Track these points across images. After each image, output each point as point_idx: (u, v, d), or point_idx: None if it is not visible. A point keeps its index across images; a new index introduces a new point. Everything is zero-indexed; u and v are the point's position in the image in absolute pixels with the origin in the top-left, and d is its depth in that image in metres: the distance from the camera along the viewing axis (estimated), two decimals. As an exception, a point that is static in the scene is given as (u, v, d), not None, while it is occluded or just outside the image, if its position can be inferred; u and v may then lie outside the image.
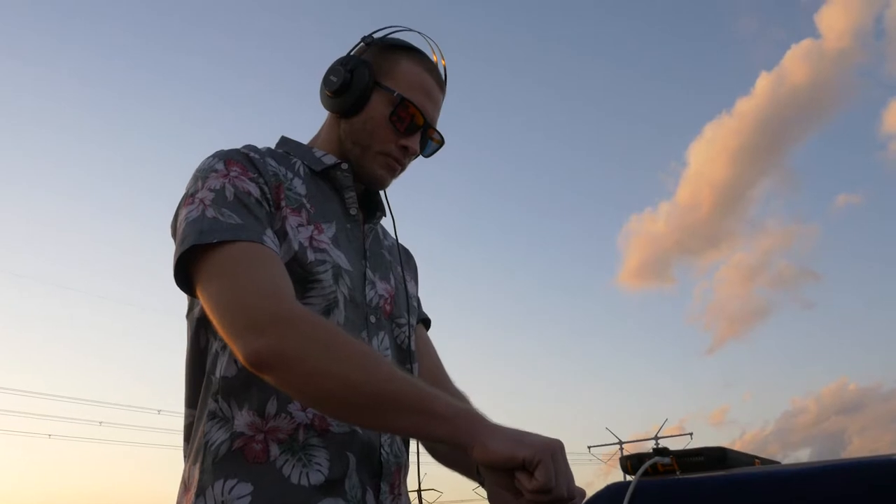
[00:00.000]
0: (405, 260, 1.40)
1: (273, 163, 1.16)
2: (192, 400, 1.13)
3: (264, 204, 1.08)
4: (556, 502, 0.84)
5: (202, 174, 1.10)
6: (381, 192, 1.31)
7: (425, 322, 1.44)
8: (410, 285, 1.35)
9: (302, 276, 1.08)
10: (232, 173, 1.09)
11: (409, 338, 1.26)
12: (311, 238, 1.12)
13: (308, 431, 1.04)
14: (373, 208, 1.30)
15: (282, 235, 1.08)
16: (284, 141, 1.28)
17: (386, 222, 1.36)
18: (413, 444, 1.25)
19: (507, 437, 0.86)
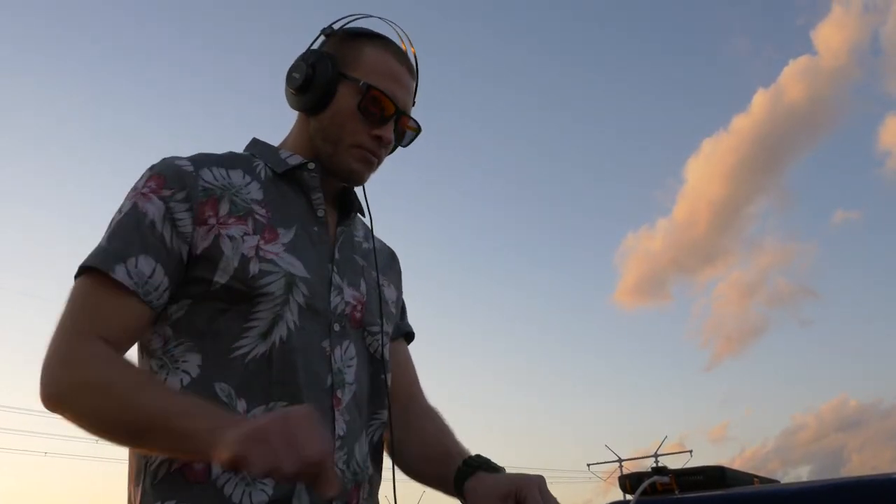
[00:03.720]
0: (387, 263, 1.32)
1: (215, 172, 1.11)
2: None
3: (159, 225, 1.05)
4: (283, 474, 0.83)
5: (132, 187, 1.10)
6: (360, 191, 1.25)
7: (408, 336, 1.37)
8: (388, 290, 1.28)
9: (245, 293, 1.05)
10: (145, 189, 1.07)
11: (382, 346, 1.20)
12: (256, 248, 1.07)
13: None
14: (347, 209, 1.24)
15: (216, 252, 1.05)
16: (254, 143, 1.24)
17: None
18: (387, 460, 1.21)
19: (237, 438, 0.84)
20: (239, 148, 1.24)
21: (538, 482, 1.01)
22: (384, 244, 1.37)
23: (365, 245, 1.26)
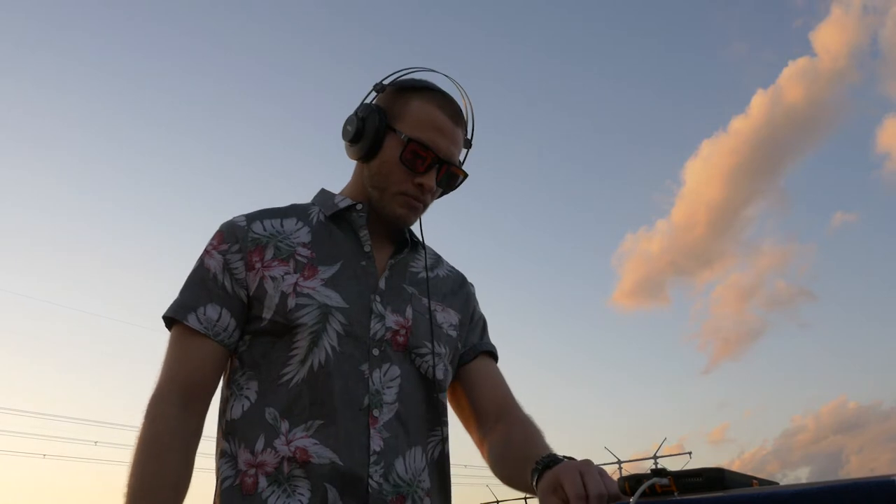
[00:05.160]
0: (451, 289, 1.41)
1: (266, 224, 1.28)
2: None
3: (220, 276, 1.24)
4: None
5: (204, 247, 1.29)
6: (416, 225, 1.35)
7: (492, 355, 1.42)
8: (443, 315, 1.35)
9: (286, 325, 1.19)
10: (209, 247, 1.27)
11: (434, 367, 1.27)
12: (294, 285, 1.21)
13: (291, 464, 1.14)
14: (401, 244, 1.35)
15: (261, 292, 1.21)
16: (320, 193, 1.39)
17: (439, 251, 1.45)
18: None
19: None
20: (271, 182, 1.40)
21: (579, 466, 0.98)
22: (454, 272, 1.47)
23: (422, 275, 1.36)
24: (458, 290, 1.43)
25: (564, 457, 1.09)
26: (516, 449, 1.24)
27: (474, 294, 1.47)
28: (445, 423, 1.30)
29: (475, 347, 1.40)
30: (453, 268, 1.47)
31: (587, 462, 0.98)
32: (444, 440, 1.29)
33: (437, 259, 1.44)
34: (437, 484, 1.26)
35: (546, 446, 1.22)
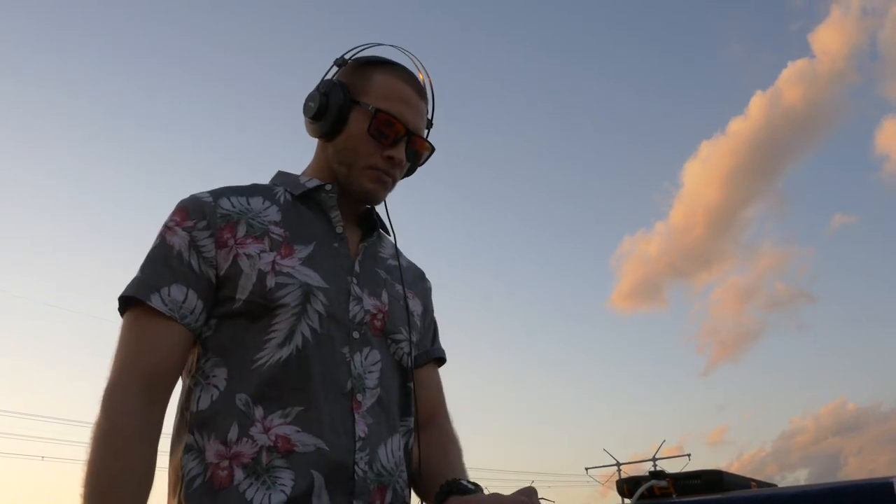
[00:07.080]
0: (413, 279, 1.37)
1: (233, 200, 1.20)
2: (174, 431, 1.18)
3: (186, 254, 1.14)
4: None
5: (163, 223, 1.19)
6: (383, 210, 1.31)
7: (439, 361, 1.39)
8: (413, 302, 1.32)
9: (264, 306, 1.12)
10: (171, 223, 1.17)
11: (408, 355, 1.24)
12: (273, 263, 1.14)
13: (272, 453, 1.07)
14: (371, 227, 1.30)
15: (235, 271, 1.13)
16: (278, 174, 1.32)
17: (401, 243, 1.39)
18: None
19: None
20: (265, 180, 1.31)
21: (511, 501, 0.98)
22: (413, 264, 1.43)
23: (390, 262, 1.32)
24: (420, 283, 1.40)
25: (471, 482, 1.11)
26: (431, 464, 1.24)
27: (431, 292, 1.43)
28: (413, 414, 1.25)
29: (428, 353, 1.36)
30: (409, 260, 1.42)
31: (532, 493, 0.98)
32: (410, 431, 1.25)
33: (398, 249, 1.38)
34: (407, 477, 1.21)
35: (459, 467, 1.23)
